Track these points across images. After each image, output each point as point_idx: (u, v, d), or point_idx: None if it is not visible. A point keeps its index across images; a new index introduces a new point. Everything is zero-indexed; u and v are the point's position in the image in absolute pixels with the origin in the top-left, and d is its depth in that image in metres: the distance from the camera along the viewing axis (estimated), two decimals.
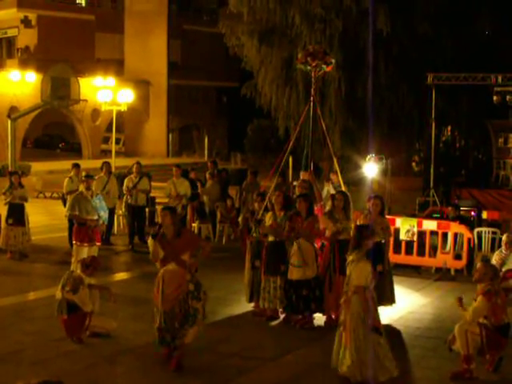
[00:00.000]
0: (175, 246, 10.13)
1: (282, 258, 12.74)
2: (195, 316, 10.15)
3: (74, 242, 15.56)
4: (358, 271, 9.54)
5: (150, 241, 10.37)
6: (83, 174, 17.76)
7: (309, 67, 15.60)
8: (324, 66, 15.61)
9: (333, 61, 15.80)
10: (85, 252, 14.92)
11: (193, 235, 10.88)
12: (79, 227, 15.38)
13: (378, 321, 9.57)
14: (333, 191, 16.87)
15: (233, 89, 48.86)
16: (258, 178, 21.49)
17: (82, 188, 15.93)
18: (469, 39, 32.07)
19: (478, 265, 10.61)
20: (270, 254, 12.85)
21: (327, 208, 14.38)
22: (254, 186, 20.32)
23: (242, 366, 10.43)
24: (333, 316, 12.64)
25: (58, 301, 11.38)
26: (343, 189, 15.48)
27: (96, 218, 15.49)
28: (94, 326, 11.36)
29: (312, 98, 15.65)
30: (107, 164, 20.41)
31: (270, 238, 12.86)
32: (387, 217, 14.51)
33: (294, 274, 12.42)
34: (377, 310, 9.62)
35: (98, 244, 15.76)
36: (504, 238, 15.24)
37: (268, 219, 12.93)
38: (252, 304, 13.36)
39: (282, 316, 12.89)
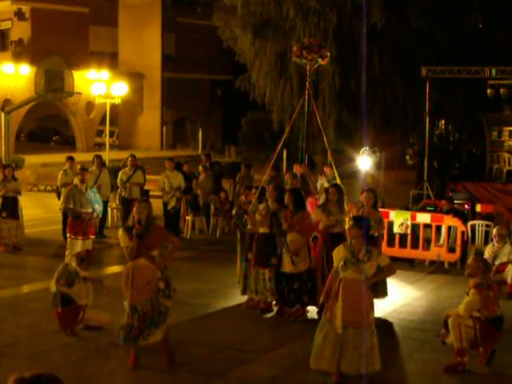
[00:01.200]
0: (145, 240, 9.97)
1: (273, 250, 12.74)
2: (166, 314, 10.05)
3: (68, 235, 15.56)
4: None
5: (120, 233, 10.21)
6: (78, 166, 17.73)
7: (304, 60, 15.56)
8: (319, 60, 15.57)
9: (328, 54, 15.77)
10: (79, 245, 14.92)
11: (163, 231, 10.72)
12: (74, 220, 15.37)
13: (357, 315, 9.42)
14: (326, 184, 16.90)
15: (227, 82, 48.78)
16: (251, 171, 21.49)
17: (76, 181, 15.92)
18: (463, 32, 32.06)
19: (469, 259, 10.63)
20: (261, 245, 12.85)
21: (321, 201, 14.40)
22: (248, 179, 20.34)
23: (236, 358, 10.44)
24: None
25: (53, 294, 11.39)
26: (338, 182, 15.50)
27: (90, 210, 15.47)
28: (87, 319, 11.37)
29: (307, 92, 15.62)
30: (99, 157, 20.39)
31: (261, 230, 12.84)
32: (381, 210, 14.54)
33: (287, 266, 12.43)
34: (355, 305, 9.39)
35: (92, 237, 15.76)
36: (494, 231, 15.31)
37: (261, 211, 12.91)
38: (245, 296, 13.38)
39: (275, 309, 12.92)
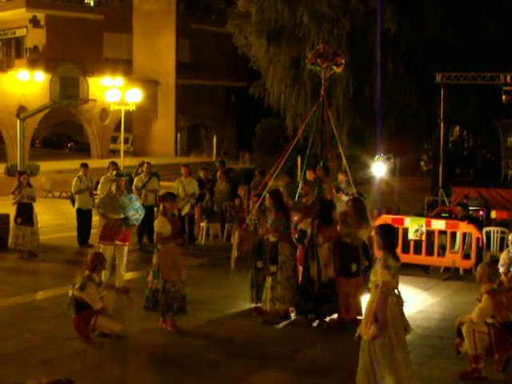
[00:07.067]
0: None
1: (275, 259, 12.74)
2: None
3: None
4: None
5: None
6: (113, 173, 17.70)
7: (318, 68, 15.46)
8: (334, 67, 15.46)
9: (343, 61, 15.60)
10: (108, 251, 14.59)
11: None
12: (105, 225, 14.96)
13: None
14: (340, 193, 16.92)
15: (241, 88, 48.88)
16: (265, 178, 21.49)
17: (113, 187, 15.62)
18: (477, 38, 31.97)
19: (478, 267, 10.63)
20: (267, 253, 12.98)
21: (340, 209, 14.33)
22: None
23: (249, 365, 10.45)
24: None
25: (69, 299, 11.46)
26: (353, 189, 15.45)
27: (121, 217, 14.98)
28: (100, 327, 11.38)
29: (322, 99, 15.50)
30: (114, 164, 20.40)
31: (272, 239, 12.84)
32: (395, 216, 14.47)
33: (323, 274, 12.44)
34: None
35: (119, 243, 15.05)
36: (510, 237, 15.20)
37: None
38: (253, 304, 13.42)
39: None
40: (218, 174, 21.60)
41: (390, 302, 8.83)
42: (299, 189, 15.24)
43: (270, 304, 12.68)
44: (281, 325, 12.56)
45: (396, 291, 8.93)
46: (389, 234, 9.20)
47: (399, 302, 8.98)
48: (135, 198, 15.71)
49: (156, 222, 12.18)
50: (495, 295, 9.99)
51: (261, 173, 21.54)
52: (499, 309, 10.01)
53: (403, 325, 8.98)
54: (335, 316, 12.65)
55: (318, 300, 12.40)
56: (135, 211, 14.94)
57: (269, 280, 12.72)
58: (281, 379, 9.99)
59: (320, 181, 14.91)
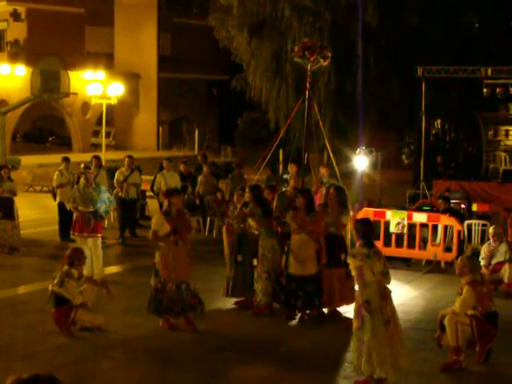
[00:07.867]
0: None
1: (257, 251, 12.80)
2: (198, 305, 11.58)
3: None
4: None
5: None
6: (81, 166, 17.70)
7: (306, 61, 15.45)
8: (321, 60, 15.47)
9: (329, 55, 15.65)
10: (83, 244, 14.57)
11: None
12: (76, 218, 15.16)
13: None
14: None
15: (223, 82, 48.84)
16: (243, 171, 21.45)
17: (82, 180, 15.66)
18: (458, 32, 32.13)
19: (458, 260, 10.68)
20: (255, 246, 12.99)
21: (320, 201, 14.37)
22: (240, 179, 20.33)
23: (232, 358, 10.44)
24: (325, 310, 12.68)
25: (49, 294, 11.43)
26: (337, 181, 15.46)
27: (90, 209, 15.03)
28: (82, 320, 11.35)
29: (308, 92, 15.51)
30: (97, 158, 20.39)
31: (256, 232, 12.87)
32: (377, 209, 14.49)
33: (295, 269, 12.38)
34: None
35: (85, 235, 15.05)
36: (491, 230, 15.33)
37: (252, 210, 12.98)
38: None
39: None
40: (204, 167, 21.55)
41: (371, 292, 9.12)
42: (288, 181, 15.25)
43: (256, 295, 12.71)
44: (265, 317, 12.58)
45: (378, 280, 9.18)
46: (364, 228, 9.52)
47: (382, 293, 9.14)
48: (104, 189, 15.77)
49: (153, 219, 12.07)
50: (476, 286, 10.04)
51: (238, 165, 21.56)
52: (481, 299, 10.06)
53: (383, 318, 9.10)
54: (320, 309, 12.67)
55: (290, 293, 12.39)
56: (103, 203, 15.01)
57: (254, 272, 12.79)
58: (264, 371, 9.98)
59: (303, 173, 14.94)
